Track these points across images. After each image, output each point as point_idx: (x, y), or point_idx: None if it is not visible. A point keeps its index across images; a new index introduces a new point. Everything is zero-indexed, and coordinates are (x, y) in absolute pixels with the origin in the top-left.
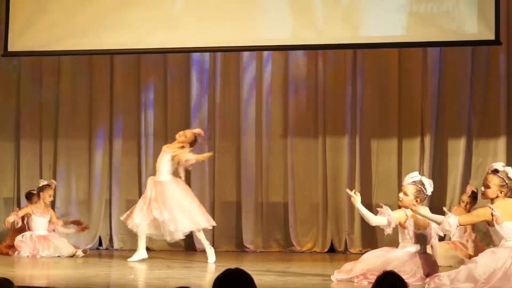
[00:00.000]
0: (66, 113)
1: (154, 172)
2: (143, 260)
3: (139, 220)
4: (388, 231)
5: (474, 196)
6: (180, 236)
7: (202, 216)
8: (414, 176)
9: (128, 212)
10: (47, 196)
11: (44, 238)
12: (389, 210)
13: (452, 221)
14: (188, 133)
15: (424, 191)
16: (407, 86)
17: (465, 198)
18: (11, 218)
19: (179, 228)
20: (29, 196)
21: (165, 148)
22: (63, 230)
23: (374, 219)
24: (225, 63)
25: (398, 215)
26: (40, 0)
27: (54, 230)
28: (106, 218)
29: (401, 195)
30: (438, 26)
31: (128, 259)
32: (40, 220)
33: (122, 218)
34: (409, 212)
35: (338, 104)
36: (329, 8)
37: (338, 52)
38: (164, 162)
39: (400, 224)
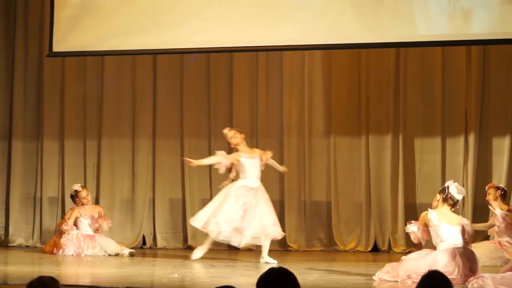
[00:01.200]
0: (109, 113)
1: (199, 171)
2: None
3: (226, 226)
4: (418, 233)
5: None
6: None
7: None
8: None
9: (209, 215)
10: (82, 199)
11: (90, 237)
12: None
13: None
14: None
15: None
16: (450, 84)
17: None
18: (65, 228)
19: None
20: (73, 198)
21: (251, 152)
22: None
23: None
24: (267, 62)
25: (421, 217)
26: (84, 1)
27: (98, 229)
28: (150, 217)
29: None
30: (482, 23)
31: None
32: (87, 222)
33: (191, 222)
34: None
35: (381, 103)
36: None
37: (381, 50)
38: (258, 167)
39: (426, 224)
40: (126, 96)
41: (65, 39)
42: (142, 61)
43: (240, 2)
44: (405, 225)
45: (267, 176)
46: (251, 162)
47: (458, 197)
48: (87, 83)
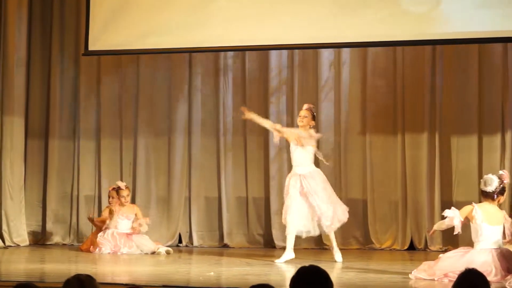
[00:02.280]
0: (145, 111)
1: (235, 169)
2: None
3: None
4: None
5: None
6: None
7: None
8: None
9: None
10: (121, 198)
11: (126, 235)
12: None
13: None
14: None
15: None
16: (487, 82)
17: None
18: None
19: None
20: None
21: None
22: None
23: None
24: (303, 60)
25: (465, 210)
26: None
27: (134, 228)
28: (186, 215)
29: None
30: None
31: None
32: (124, 222)
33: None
34: (479, 206)
35: (417, 101)
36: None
37: (416, 48)
38: (304, 153)
39: (468, 218)
40: (162, 95)
41: (101, 38)
42: (177, 59)
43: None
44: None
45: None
46: (296, 148)
47: (485, 188)
48: (123, 81)
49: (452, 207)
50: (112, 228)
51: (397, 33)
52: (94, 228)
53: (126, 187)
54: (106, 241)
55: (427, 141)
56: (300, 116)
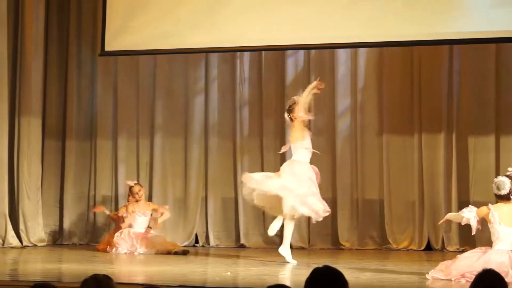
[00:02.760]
0: (162, 111)
1: (251, 170)
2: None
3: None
4: (473, 224)
5: None
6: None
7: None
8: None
9: None
10: (135, 195)
11: (143, 235)
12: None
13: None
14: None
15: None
16: (504, 81)
17: None
18: (121, 213)
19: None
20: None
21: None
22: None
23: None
24: (320, 60)
25: (481, 211)
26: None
27: (150, 227)
28: (202, 215)
29: None
30: None
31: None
32: (141, 219)
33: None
34: (495, 208)
35: (434, 101)
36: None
37: (433, 48)
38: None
39: (485, 219)
40: (179, 95)
41: (117, 38)
42: (194, 60)
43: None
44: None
45: (320, 173)
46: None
47: (499, 192)
48: (140, 82)
49: (470, 206)
50: (128, 227)
51: (413, 33)
52: (111, 228)
53: (136, 184)
54: (122, 241)
55: (444, 141)
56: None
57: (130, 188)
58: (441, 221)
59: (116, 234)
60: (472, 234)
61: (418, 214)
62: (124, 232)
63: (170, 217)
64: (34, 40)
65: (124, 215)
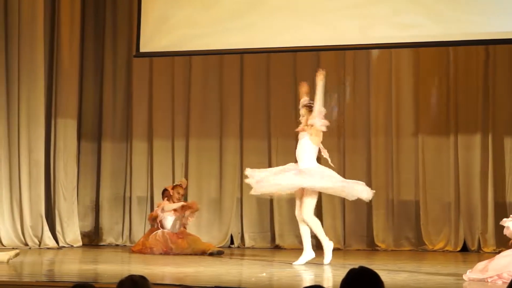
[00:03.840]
0: (197, 112)
1: None
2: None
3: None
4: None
5: None
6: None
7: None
8: None
9: None
10: (175, 194)
11: (177, 235)
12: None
13: None
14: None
15: None
16: None
17: None
18: (155, 214)
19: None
20: (163, 193)
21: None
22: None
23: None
24: (354, 60)
25: None
26: (171, 1)
27: (185, 227)
28: (237, 216)
29: None
30: None
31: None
32: (169, 218)
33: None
34: None
35: (470, 101)
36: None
37: (469, 49)
38: (301, 148)
39: None
40: (214, 96)
41: (153, 40)
42: (229, 61)
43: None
44: (497, 222)
45: (355, 174)
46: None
47: None
48: (175, 83)
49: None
50: (161, 228)
51: (450, 33)
52: (147, 229)
53: (184, 187)
54: (157, 242)
55: (480, 142)
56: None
57: (178, 186)
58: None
59: (151, 235)
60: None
61: (454, 215)
62: (159, 234)
63: (200, 212)
64: (69, 42)
65: (160, 214)
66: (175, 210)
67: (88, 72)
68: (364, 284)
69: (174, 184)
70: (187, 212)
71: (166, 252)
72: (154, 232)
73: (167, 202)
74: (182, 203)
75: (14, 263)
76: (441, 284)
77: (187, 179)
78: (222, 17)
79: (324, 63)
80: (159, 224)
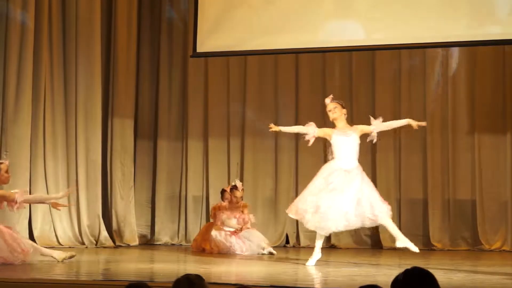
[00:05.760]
0: (252, 112)
1: None
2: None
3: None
4: None
5: None
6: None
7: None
8: None
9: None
10: (233, 198)
11: (235, 233)
12: None
13: None
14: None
15: None
16: None
17: None
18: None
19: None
20: (222, 193)
21: (349, 128)
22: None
23: None
24: (410, 60)
25: None
26: (227, 1)
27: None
28: None
29: None
30: None
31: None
32: (232, 220)
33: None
34: None
35: None
36: None
37: None
38: (354, 146)
39: None
40: (269, 96)
41: (209, 40)
42: (284, 61)
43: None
44: None
45: (410, 173)
46: (344, 140)
47: None
48: (230, 83)
49: None
50: (220, 226)
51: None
52: (201, 227)
53: (242, 189)
54: (215, 241)
55: None
56: (330, 111)
57: (234, 190)
58: None
59: (212, 233)
60: None
61: (511, 215)
62: (216, 234)
63: (255, 211)
64: (126, 42)
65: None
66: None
67: (144, 72)
68: (420, 284)
69: (231, 186)
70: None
71: (224, 251)
72: (213, 231)
73: (226, 203)
74: (240, 226)
75: (71, 262)
76: (499, 284)
77: (242, 179)
78: (277, 17)
79: (379, 63)
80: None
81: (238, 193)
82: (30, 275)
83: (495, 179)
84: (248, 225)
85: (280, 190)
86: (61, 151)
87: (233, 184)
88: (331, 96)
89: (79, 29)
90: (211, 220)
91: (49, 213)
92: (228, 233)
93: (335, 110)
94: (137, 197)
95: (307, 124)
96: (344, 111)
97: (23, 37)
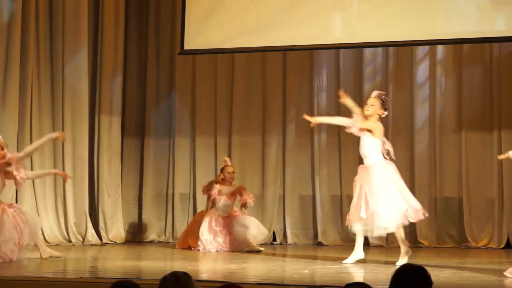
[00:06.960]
0: (239, 110)
1: (329, 167)
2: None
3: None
4: None
5: None
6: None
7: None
8: None
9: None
10: (226, 174)
11: (228, 218)
12: None
13: None
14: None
15: None
16: None
17: None
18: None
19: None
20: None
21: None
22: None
23: None
24: (398, 57)
25: None
26: None
27: (246, 207)
28: (280, 213)
29: None
30: None
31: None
32: (226, 203)
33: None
34: None
35: None
36: None
37: None
38: (366, 143)
39: None
40: (256, 93)
41: (196, 37)
42: (272, 58)
43: None
44: None
45: (399, 171)
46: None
47: None
48: (218, 80)
49: None
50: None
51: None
52: (187, 224)
53: (230, 165)
54: (202, 242)
55: None
56: (367, 104)
57: (225, 167)
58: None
59: (201, 230)
60: None
61: (497, 212)
62: (205, 226)
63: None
64: (113, 40)
65: (216, 196)
66: (232, 194)
67: (132, 69)
68: (416, 280)
69: (221, 167)
70: (244, 195)
71: (216, 248)
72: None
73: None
74: (238, 185)
75: (58, 260)
76: (485, 281)
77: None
78: (265, 15)
79: (366, 60)
80: (211, 204)
81: (230, 168)
82: (17, 272)
83: (482, 177)
84: (249, 202)
85: (267, 187)
86: (48, 147)
87: (223, 164)
88: (380, 92)
89: (66, 25)
90: (204, 208)
91: (35, 211)
92: (218, 228)
93: (369, 108)
94: (124, 194)
95: (353, 116)
96: (382, 111)
97: (10, 33)
